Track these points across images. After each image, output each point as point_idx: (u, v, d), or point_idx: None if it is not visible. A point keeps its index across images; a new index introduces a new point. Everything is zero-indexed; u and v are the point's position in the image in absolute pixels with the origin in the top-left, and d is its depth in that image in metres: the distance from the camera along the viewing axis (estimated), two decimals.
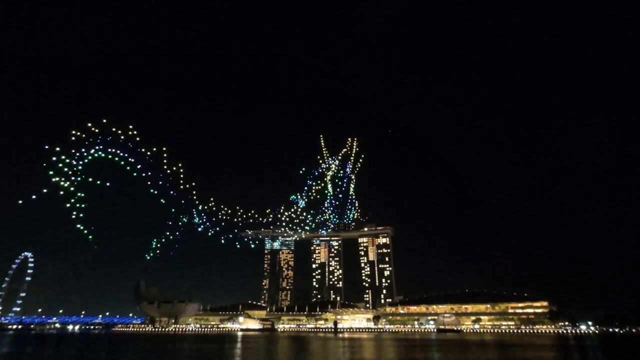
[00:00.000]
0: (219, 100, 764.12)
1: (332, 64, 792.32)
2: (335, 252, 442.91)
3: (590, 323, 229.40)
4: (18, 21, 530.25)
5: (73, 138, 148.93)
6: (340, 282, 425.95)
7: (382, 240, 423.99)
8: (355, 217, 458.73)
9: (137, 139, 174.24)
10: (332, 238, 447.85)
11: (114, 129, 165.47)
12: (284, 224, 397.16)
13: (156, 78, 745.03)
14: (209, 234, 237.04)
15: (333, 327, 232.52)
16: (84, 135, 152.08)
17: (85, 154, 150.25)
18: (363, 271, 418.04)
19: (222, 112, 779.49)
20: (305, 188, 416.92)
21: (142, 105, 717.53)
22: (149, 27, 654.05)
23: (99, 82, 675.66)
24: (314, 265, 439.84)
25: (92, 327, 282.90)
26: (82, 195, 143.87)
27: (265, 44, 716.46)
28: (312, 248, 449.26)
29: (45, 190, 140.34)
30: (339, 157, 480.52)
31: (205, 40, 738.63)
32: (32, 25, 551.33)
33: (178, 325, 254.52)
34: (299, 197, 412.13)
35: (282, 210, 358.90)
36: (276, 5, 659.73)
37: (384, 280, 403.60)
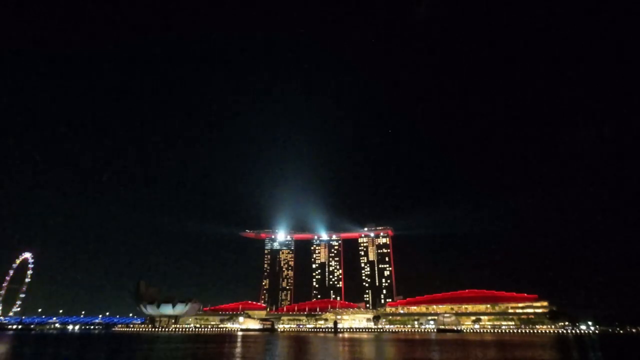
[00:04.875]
0: (218, 102, 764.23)
1: (334, 64, 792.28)
2: (335, 252, 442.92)
3: (590, 323, 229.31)
4: None
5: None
6: (340, 282, 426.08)
7: (382, 240, 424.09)
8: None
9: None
10: (332, 238, 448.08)
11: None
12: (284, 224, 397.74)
13: (163, 79, 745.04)
14: (210, 234, 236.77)
15: (333, 327, 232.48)
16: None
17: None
18: (363, 271, 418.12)
19: (220, 114, 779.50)
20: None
21: (148, 105, 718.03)
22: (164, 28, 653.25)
23: (99, 81, 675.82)
24: (314, 265, 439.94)
25: (92, 327, 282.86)
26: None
27: (263, 39, 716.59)
28: (312, 248, 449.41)
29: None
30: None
31: (211, 38, 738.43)
32: None
33: (178, 325, 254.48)
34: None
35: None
36: (273, 3, 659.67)
37: (384, 280, 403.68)
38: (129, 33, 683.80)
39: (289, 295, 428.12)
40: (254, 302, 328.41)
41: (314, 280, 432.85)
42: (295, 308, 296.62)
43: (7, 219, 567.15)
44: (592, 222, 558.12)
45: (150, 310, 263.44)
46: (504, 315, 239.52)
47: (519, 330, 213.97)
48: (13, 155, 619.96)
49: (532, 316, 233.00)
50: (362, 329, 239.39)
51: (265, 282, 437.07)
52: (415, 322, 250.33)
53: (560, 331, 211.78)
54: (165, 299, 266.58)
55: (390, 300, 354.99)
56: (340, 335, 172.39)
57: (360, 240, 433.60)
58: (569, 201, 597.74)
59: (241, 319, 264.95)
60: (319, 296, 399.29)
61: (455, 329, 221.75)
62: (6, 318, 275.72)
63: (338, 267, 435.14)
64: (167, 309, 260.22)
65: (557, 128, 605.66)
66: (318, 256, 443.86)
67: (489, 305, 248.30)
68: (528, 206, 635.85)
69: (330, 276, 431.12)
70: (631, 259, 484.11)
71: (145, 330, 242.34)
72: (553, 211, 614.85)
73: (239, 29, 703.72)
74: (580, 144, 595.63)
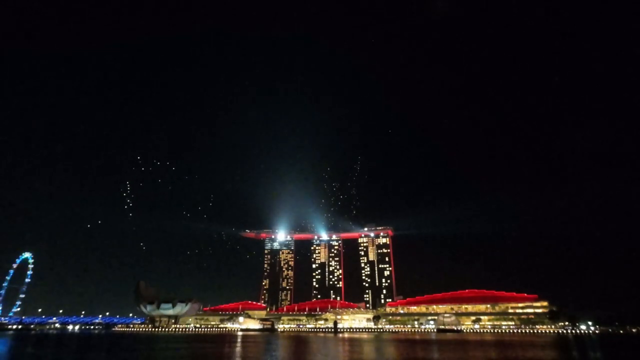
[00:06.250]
0: (218, 101, 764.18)
1: (334, 63, 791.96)
2: (335, 252, 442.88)
3: (590, 323, 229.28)
4: None
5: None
6: (340, 282, 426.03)
7: (382, 240, 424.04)
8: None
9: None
10: (332, 238, 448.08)
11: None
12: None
13: (163, 79, 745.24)
14: (210, 234, 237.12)
15: (333, 327, 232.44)
16: None
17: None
18: (363, 271, 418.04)
19: (220, 113, 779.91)
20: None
21: (148, 105, 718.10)
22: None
23: (99, 81, 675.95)
24: (314, 265, 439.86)
25: (92, 327, 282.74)
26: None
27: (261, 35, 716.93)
28: (312, 248, 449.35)
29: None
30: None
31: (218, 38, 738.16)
32: None
33: (178, 325, 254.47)
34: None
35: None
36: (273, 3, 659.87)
37: (384, 280, 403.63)
38: (129, 33, 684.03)
39: (289, 295, 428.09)
40: (254, 302, 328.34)
41: (314, 280, 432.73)
42: (295, 308, 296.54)
43: (7, 219, 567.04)
44: (592, 221, 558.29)
45: (150, 310, 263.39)
46: (504, 315, 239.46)
47: (519, 330, 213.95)
48: (13, 155, 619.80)
49: (532, 316, 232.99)
50: (362, 329, 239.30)
51: (265, 282, 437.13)
52: (415, 322, 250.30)
53: (560, 331, 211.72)
54: (165, 299, 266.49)
55: (390, 300, 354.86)
56: (340, 335, 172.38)
57: (360, 240, 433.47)
58: (569, 201, 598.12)
59: (241, 319, 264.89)
60: (319, 296, 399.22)
61: (455, 329, 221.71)
62: (6, 318, 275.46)
63: (338, 267, 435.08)
64: (167, 309, 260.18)
65: (557, 128, 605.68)
66: (318, 256, 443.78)
67: (489, 305, 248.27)
68: (528, 206, 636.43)
69: (330, 276, 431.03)
70: (631, 259, 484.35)
71: (145, 330, 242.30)
72: (553, 211, 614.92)
73: (240, 28, 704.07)
74: (580, 144, 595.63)
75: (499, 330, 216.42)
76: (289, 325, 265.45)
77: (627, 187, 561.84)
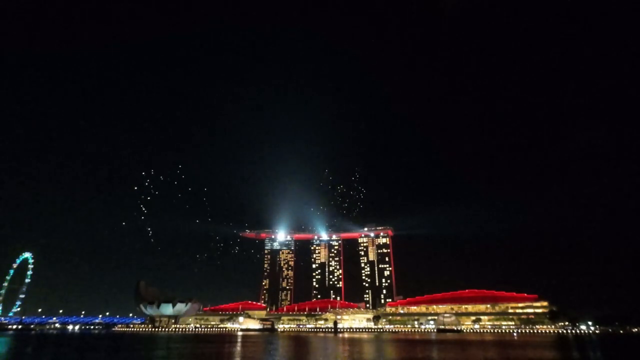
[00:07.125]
0: (218, 101, 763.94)
1: (334, 63, 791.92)
2: (335, 252, 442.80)
3: (590, 323, 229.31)
4: None
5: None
6: (340, 282, 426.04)
7: (382, 240, 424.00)
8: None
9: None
10: (332, 238, 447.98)
11: None
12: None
13: (163, 79, 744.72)
14: (210, 234, 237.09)
15: (333, 327, 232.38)
16: None
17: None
18: (363, 271, 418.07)
19: (220, 113, 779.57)
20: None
21: (148, 105, 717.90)
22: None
23: (99, 81, 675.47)
24: (314, 265, 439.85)
25: (92, 327, 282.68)
26: None
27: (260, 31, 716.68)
28: (312, 248, 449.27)
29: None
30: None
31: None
32: None
33: (178, 325, 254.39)
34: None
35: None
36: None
37: (384, 280, 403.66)
38: (128, 33, 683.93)
39: (289, 295, 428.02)
40: (254, 302, 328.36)
41: (314, 280, 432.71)
42: (295, 308, 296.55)
43: (7, 219, 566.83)
44: (592, 222, 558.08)
45: (150, 310, 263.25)
46: (504, 315, 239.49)
47: (519, 330, 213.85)
48: (13, 155, 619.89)
49: (532, 316, 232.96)
50: (362, 329, 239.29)
51: (265, 282, 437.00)
52: (415, 322, 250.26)
53: (560, 331, 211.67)
54: (165, 299, 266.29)
55: (390, 300, 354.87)
56: (340, 335, 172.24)
57: (360, 240, 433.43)
58: (569, 201, 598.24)
59: (241, 319, 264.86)
60: (319, 296, 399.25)
61: (455, 329, 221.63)
62: (6, 318, 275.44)
63: (338, 267, 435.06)
64: (167, 309, 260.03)
65: (556, 129, 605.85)
66: (318, 256, 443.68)
67: (489, 305, 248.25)
68: (528, 206, 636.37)
69: (330, 276, 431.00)
70: (631, 259, 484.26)
71: (145, 330, 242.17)
72: (553, 211, 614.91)
73: (240, 28, 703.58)
74: (579, 144, 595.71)
75: (499, 330, 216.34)
76: (289, 325, 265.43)
77: (628, 187, 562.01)
